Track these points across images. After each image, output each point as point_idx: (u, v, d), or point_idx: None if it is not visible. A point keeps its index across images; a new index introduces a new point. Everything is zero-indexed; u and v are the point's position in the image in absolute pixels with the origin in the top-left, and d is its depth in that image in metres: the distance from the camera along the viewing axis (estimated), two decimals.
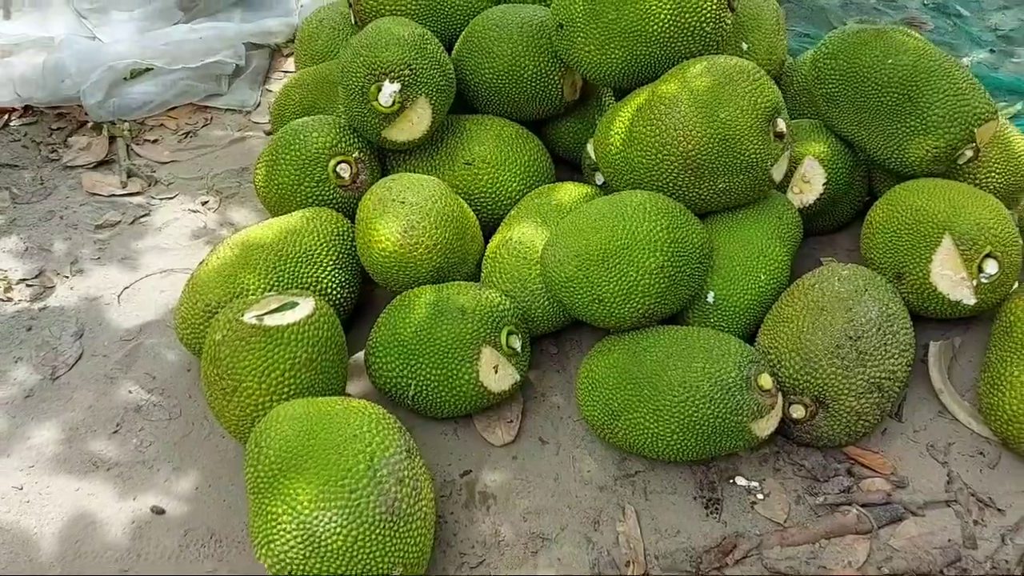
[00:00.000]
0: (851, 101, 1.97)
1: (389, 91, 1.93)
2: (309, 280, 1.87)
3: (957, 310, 1.78)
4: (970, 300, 1.75)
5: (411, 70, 1.94)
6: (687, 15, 1.88)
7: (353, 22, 2.34)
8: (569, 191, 2.02)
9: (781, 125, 1.84)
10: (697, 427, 1.61)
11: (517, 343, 1.78)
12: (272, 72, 3.08)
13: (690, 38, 1.91)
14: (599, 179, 2.17)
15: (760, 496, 1.74)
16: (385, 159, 2.19)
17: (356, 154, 2.07)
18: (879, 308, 1.71)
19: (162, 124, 2.81)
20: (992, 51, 3.29)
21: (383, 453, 1.44)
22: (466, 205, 2.00)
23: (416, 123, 2.00)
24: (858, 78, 1.94)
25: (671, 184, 1.85)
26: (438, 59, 2.02)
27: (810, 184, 2.05)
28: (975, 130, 1.84)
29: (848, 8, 3.55)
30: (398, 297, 1.84)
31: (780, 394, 1.68)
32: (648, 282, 1.68)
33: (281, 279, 1.84)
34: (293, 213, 1.99)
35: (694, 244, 1.74)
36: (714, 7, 1.89)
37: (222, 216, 2.46)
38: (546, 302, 1.88)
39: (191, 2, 3.03)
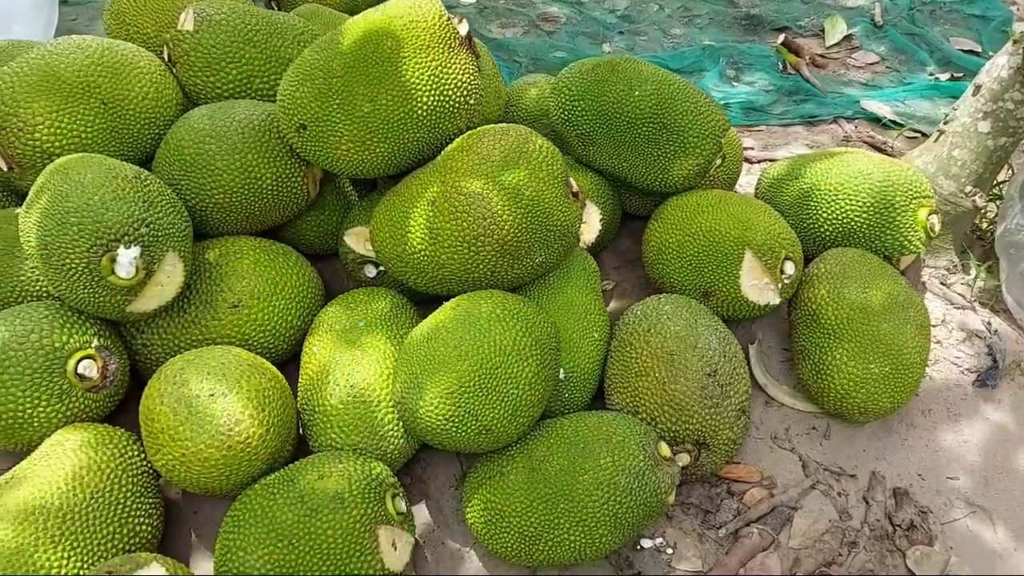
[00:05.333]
0: (607, 137, 1.98)
1: (128, 259, 1.51)
2: (115, 531, 1.42)
3: (765, 311, 1.92)
4: (776, 300, 1.90)
5: (148, 227, 1.53)
6: (449, 91, 1.73)
7: (7, 168, 1.78)
8: (367, 304, 1.79)
9: (574, 184, 1.79)
10: (625, 521, 1.55)
11: (403, 503, 1.54)
12: None
13: (455, 115, 1.77)
14: (370, 271, 1.96)
15: (669, 551, 1.74)
16: (117, 329, 1.73)
17: (96, 342, 1.61)
18: (715, 336, 1.78)
19: None
20: (622, 33, 3.58)
21: None
22: (265, 362, 1.66)
23: (167, 284, 1.61)
24: (609, 115, 1.95)
25: (489, 272, 1.71)
26: (167, 198, 1.63)
27: (588, 224, 2.05)
28: (721, 140, 1.97)
29: (486, 13, 3.61)
30: (236, 508, 1.45)
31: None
32: (530, 394, 1.54)
33: (90, 546, 1.38)
34: (45, 447, 1.49)
35: (549, 335, 1.64)
36: (471, 78, 1.76)
37: None
38: (398, 439, 1.65)
39: None
